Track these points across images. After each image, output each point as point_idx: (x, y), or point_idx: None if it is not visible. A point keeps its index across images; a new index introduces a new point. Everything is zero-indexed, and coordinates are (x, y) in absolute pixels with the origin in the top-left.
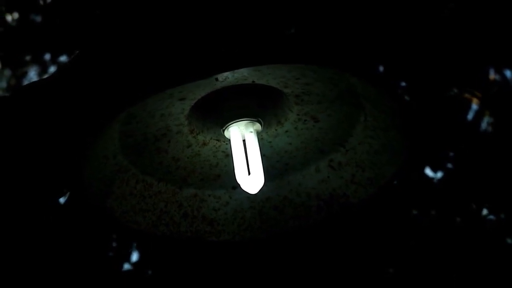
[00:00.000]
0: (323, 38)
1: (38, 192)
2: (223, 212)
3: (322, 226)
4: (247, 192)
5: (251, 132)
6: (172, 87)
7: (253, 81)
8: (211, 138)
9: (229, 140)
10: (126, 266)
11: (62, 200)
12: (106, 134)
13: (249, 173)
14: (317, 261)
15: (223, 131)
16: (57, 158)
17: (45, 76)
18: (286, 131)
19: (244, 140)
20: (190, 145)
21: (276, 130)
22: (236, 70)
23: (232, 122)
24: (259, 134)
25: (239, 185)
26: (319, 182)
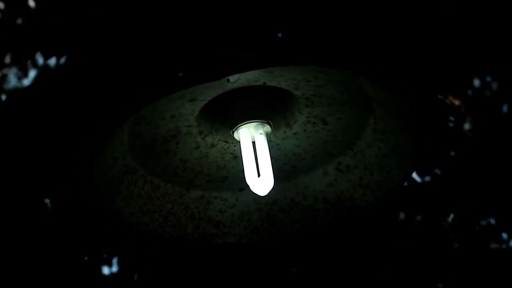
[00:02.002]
0: (336, 40)
1: (46, 191)
2: (229, 214)
3: (329, 229)
4: (257, 194)
5: (261, 134)
6: (186, 88)
7: (264, 83)
8: (219, 140)
9: (238, 141)
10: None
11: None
12: (116, 135)
13: (258, 175)
14: (323, 264)
15: (233, 132)
16: (68, 158)
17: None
18: (295, 134)
19: (253, 142)
20: (199, 146)
21: (285, 132)
22: (248, 72)
23: (242, 124)
24: (267, 136)
25: (246, 187)
26: (327, 185)
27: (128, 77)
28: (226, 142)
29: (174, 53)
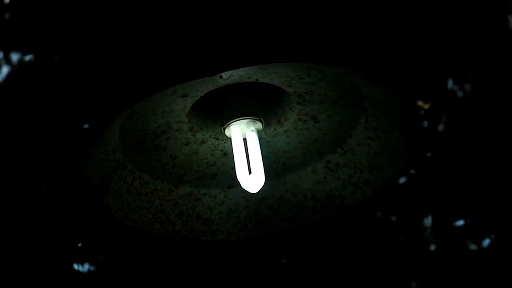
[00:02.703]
0: (333, 38)
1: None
2: (218, 211)
3: (317, 226)
4: (247, 191)
5: (252, 131)
6: (180, 83)
7: (257, 80)
8: (209, 136)
9: (228, 138)
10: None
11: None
12: (108, 130)
13: (249, 172)
14: (311, 261)
15: (224, 129)
16: (61, 154)
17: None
18: (285, 131)
19: (244, 139)
20: (189, 143)
21: (275, 129)
22: (242, 68)
23: (233, 120)
24: (258, 133)
25: (235, 184)
26: (316, 183)
27: (121, 72)
28: (217, 138)
29: (168, 48)
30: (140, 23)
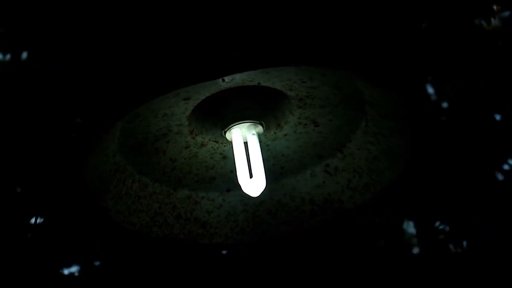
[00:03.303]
0: (337, 42)
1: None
2: (216, 214)
3: (315, 231)
4: (246, 195)
5: (254, 134)
6: (182, 87)
7: (259, 83)
8: (209, 140)
9: (228, 142)
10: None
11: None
12: (109, 133)
13: (251, 176)
14: (309, 265)
15: (225, 132)
16: (62, 156)
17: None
18: (285, 135)
19: (245, 143)
20: (189, 146)
21: (275, 133)
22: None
23: (234, 124)
24: (258, 137)
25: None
26: (314, 187)
27: (124, 76)
28: (216, 142)
29: (171, 52)
30: (144, 24)
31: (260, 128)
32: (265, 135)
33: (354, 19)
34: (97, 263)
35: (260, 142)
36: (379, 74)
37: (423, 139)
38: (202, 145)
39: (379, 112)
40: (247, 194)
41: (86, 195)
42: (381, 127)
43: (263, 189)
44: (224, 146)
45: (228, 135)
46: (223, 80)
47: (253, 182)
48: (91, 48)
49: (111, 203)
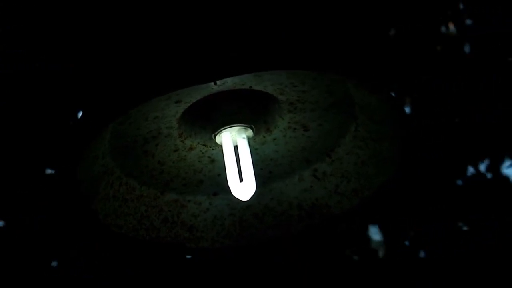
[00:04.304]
0: (330, 45)
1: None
2: (202, 218)
3: (302, 235)
4: (234, 199)
5: (244, 138)
6: (179, 89)
7: (251, 87)
8: (198, 143)
9: (216, 145)
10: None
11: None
12: (101, 134)
13: (241, 180)
14: (295, 270)
15: (215, 136)
16: (54, 158)
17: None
18: (274, 139)
19: (235, 147)
20: (177, 149)
21: (264, 137)
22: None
23: (225, 128)
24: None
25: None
26: (302, 191)
27: (117, 78)
28: (205, 145)
29: (167, 53)
30: (141, 25)
31: (250, 132)
32: (254, 139)
33: (348, 23)
34: (82, 262)
35: (249, 146)
36: (371, 78)
37: (413, 144)
38: (191, 148)
39: (369, 116)
40: (236, 198)
41: (78, 197)
42: (370, 132)
43: (253, 193)
44: (213, 149)
45: (218, 139)
46: (215, 84)
47: (243, 186)
48: (90, 49)
49: (99, 206)
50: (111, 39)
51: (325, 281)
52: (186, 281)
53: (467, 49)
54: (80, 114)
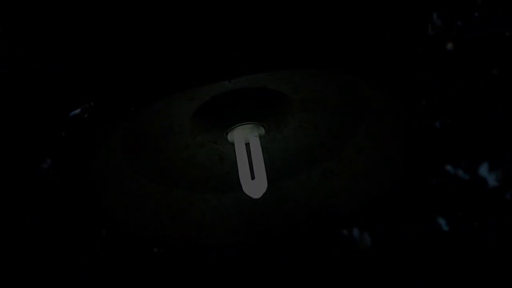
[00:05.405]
0: (338, 44)
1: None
2: (210, 216)
3: (309, 234)
4: (240, 197)
5: (256, 136)
6: (189, 89)
7: (264, 85)
8: (209, 141)
9: (227, 143)
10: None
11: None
12: (112, 131)
13: (252, 178)
14: (302, 269)
15: (227, 134)
16: (66, 156)
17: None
18: (284, 137)
19: (247, 144)
20: (188, 146)
21: (274, 135)
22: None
23: (237, 125)
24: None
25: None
26: (310, 190)
27: (130, 76)
28: (215, 143)
29: (178, 53)
30: (150, 23)
31: (262, 130)
32: (265, 137)
33: (362, 23)
34: (82, 262)
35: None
36: (384, 78)
37: (422, 144)
38: (201, 146)
39: (380, 116)
40: (247, 195)
41: (88, 194)
42: (380, 132)
43: (264, 190)
44: (223, 147)
45: (229, 136)
46: (230, 82)
47: (255, 184)
48: (94, 49)
49: (109, 203)
50: (121, 39)
51: (325, 281)
52: (190, 279)
53: (467, 49)
54: (72, 113)
